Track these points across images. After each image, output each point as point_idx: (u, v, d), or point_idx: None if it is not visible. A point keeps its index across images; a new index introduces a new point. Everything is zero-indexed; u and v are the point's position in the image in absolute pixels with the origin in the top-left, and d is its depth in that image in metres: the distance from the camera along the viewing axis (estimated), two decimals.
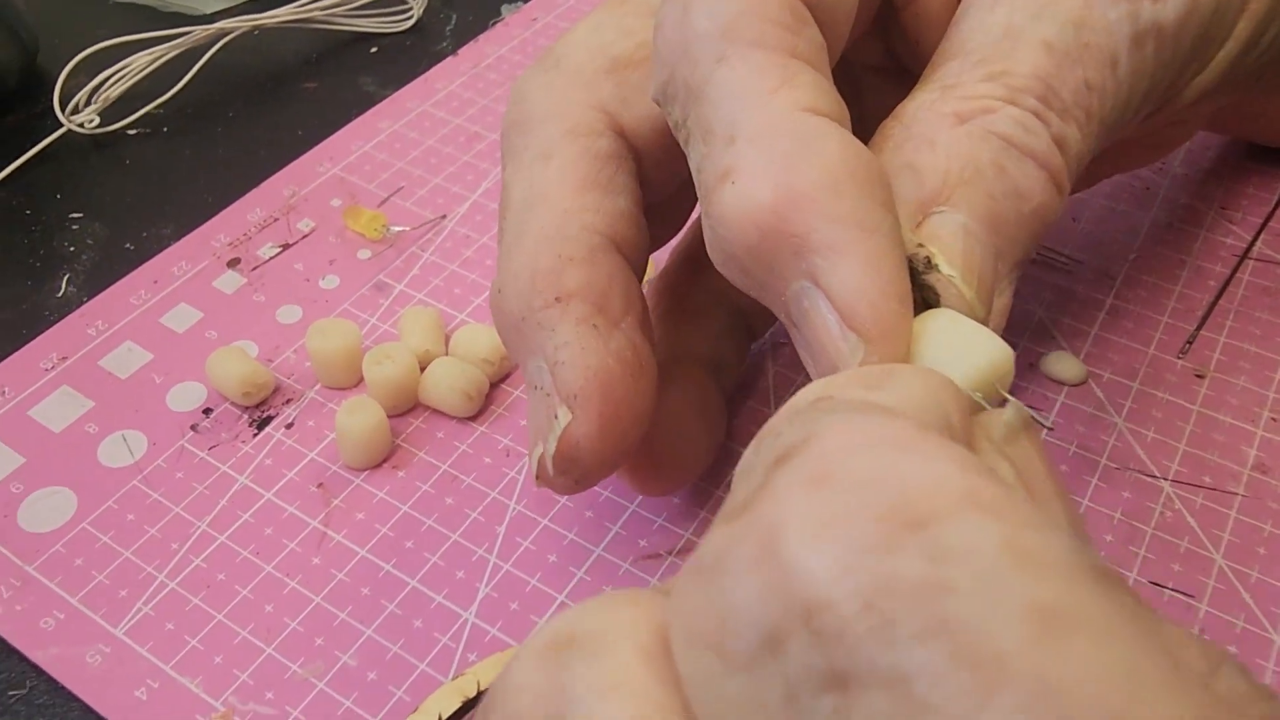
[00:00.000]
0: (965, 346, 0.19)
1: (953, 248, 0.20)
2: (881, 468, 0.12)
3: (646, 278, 0.27)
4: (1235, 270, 0.34)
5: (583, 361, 0.22)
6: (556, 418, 0.22)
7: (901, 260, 0.19)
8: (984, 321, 0.20)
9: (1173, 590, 0.26)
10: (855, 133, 0.20)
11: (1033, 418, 0.17)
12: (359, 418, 0.29)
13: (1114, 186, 0.37)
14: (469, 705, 0.24)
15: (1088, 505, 0.28)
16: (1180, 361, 0.32)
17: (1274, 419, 0.30)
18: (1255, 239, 0.35)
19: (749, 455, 0.15)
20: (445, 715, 0.24)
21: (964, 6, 0.24)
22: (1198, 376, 0.31)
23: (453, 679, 0.25)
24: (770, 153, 0.19)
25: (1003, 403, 0.18)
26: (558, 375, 0.22)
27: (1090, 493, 0.28)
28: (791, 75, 0.19)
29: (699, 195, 0.20)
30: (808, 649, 0.11)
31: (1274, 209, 0.36)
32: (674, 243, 0.29)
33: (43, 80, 0.43)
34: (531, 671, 0.14)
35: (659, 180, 0.25)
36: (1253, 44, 0.26)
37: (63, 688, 0.25)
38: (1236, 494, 0.28)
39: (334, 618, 0.26)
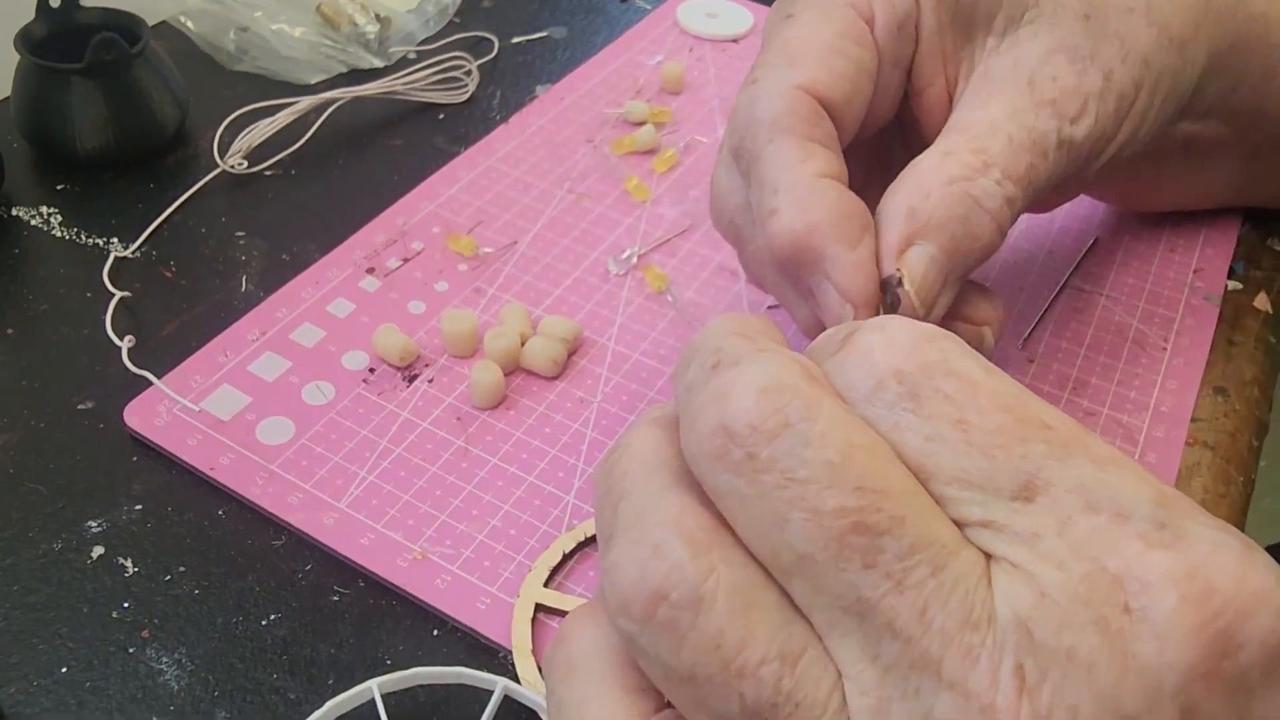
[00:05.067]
0: None
1: (916, 271, 0.34)
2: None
3: None
4: (1057, 294, 0.51)
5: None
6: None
7: (871, 263, 0.34)
8: (921, 316, 0.34)
9: None
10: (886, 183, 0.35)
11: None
12: (485, 373, 0.43)
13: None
14: (581, 546, 0.39)
15: None
16: (1021, 352, 0.48)
17: (1075, 390, 0.46)
18: (1070, 274, 0.52)
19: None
20: (566, 549, 0.38)
21: (968, 96, 0.37)
22: (1029, 361, 0.47)
23: (567, 530, 0.39)
24: (798, 200, 0.33)
25: None
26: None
27: None
28: (812, 153, 0.34)
29: (756, 223, 0.35)
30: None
31: (1084, 254, 0.53)
32: None
33: (190, 131, 0.56)
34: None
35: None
36: (1118, 155, 0.40)
37: (309, 538, 0.39)
38: None
39: (481, 499, 0.40)
